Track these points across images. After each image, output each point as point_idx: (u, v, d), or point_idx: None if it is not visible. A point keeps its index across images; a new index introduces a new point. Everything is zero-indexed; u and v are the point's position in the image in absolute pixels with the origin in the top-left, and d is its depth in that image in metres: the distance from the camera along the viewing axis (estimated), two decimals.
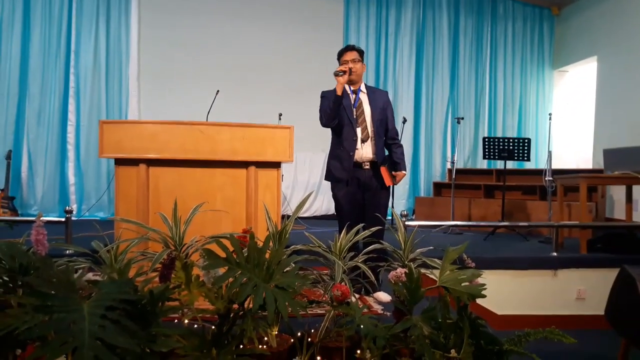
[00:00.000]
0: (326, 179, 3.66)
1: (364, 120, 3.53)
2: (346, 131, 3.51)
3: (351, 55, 3.53)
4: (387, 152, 3.70)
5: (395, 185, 3.72)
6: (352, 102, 3.55)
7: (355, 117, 3.51)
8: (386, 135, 3.65)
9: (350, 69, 3.47)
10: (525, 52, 8.66)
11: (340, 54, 3.59)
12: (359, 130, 3.50)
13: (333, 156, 3.59)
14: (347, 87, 3.57)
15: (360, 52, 3.59)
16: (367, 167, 3.52)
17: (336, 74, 3.42)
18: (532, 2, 8.63)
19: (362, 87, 3.62)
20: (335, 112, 3.48)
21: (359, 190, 3.52)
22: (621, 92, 6.98)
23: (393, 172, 3.56)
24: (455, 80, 8.39)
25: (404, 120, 6.40)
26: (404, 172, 3.63)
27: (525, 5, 8.65)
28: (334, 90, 3.48)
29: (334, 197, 3.59)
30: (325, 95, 3.61)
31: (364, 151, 3.50)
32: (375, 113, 3.55)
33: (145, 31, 7.34)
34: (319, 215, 7.77)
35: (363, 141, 3.50)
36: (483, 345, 1.93)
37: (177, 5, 7.45)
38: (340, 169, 3.51)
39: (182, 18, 7.46)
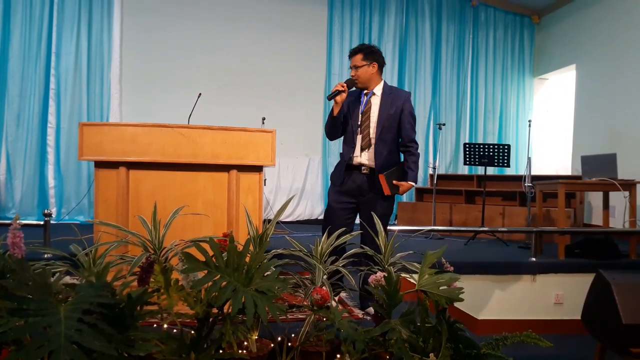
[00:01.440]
0: (330, 179, 3.64)
1: (368, 126, 3.41)
2: (348, 137, 3.48)
3: (353, 62, 3.42)
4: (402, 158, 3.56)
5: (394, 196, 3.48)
6: (362, 106, 3.44)
7: (359, 123, 3.42)
8: (401, 142, 3.49)
9: (355, 81, 3.40)
10: (506, 59, 8.78)
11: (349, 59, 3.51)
12: (359, 138, 3.42)
13: (339, 158, 3.59)
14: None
15: (366, 52, 3.42)
16: (366, 172, 3.42)
17: (330, 99, 3.36)
18: (513, 10, 8.76)
19: (377, 90, 3.45)
20: (333, 130, 3.47)
21: (352, 195, 3.45)
22: (599, 99, 7.11)
23: (395, 182, 3.35)
24: (437, 86, 8.47)
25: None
26: (411, 183, 3.41)
27: (507, 13, 8.77)
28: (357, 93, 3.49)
29: (328, 195, 3.58)
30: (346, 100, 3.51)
31: (362, 158, 3.42)
32: (382, 119, 3.39)
33: (127, 33, 7.28)
34: (302, 220, 7.77)
35: (362, 149, 3.41)
36: (461, 349, 1.95)
37: (160, 8, 7.41)
38: (337, 172, 3.52)
39: (165, 21, 7.42)
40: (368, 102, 3.45)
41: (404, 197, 8.16)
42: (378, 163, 3.39)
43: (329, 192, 3.56)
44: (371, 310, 3.24)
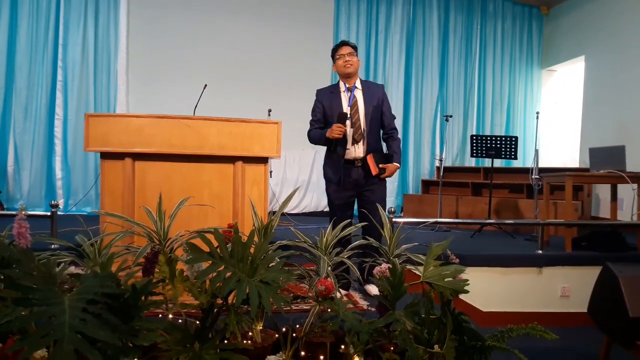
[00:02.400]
0: (324, 176, 3.67)
1: (358, 119, 3.49)
2: None
3: (347, 50, 3.52)
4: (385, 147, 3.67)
5: (387, 178, 3.58)
6: (347, 101, 3.52)
7: (349, 116, 3.47)
8: (383, 130, 3.64)
9: (345, 115, 3.45)
10: (514, 50, 8.71)
11: (335, 50, 3.59)
12: (351, 131, 3.47)
13: (327, 156, 3.61)
14: (342, 84, 3.58)
15: (354, 47, 3.59)
16: (359, 164, 3.50)
17: (330, 140, 3.42)
18: (521, 1, 8.68)
19: (357, 83, 3.58)
20: (319, 144, 3.57)
21: (351, 189, 3.52)
22: (608, 91, 7.04)
23: (381, 165, 3.46)
24: (444, 77, 8.42)
25: (394, 118, 6.41)
26: (396, 164, 3.55)
27: (515, 4, 8.69)
28: (329, 90, 3.59)
29: (327, 192, 3.63)
30: (318, 99, 3.62)
31: (357, 151, 3.49)
32: (368, 111, 3.52)
33: (134, 25, 7.29)
34: (308, 212, 7.77)
35: (355, 141, 3.48)
36: (466, 341, 1.95)
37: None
38: (332, 169, 3.54)
39: (172, 12, 7.41)
40: (354, 97, 3.53)
41: (411, 190, 8.17)
42: (369, 152, 3.50)
43: (328, 189, 3.60)
44: (371, 289, 3.30)
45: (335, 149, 3.46)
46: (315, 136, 3.58)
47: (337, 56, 3.55)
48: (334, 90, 3.59)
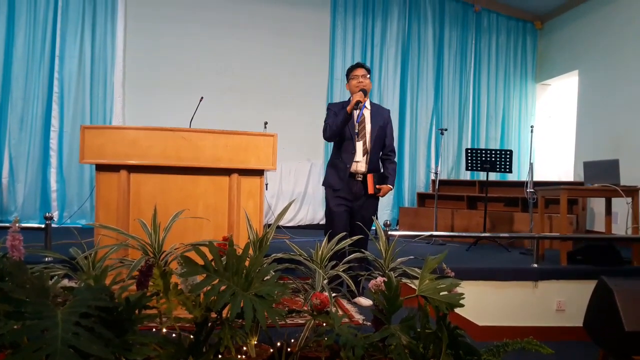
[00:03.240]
0: (323, 184, 3.83)
1: (365, 135, 3.68)
2: (346, 144, 3.67)
3: (361, 72, 3.69)
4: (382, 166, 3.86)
5: (380, 197, 3.83)
6: (356, 117, 3.68)
7: (357, 131, 3.65)
8: (383, 151, 3.81)
9: (366, 90, 3.63)
10: (509, 65, 8.78)
11: (350, 70, 3.75)
12: (359, 145, 3.65)
13: (332, 165, 3.77)
14: None
15: (368, 70, 3.75)
16: (360, 178, 3.66)
17: (353, 110, 3.59)
18: (515, 16, 8.77)
19: (367, 104, 3.76)
20: (342, 129, 3.65)
21: (349, 199, 3.67)
22: (602, 105, 7.09)
23: (377, 186, 3.66)
24: (439, 91, 8.47)
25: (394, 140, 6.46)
26: (389, 186, 3.74)
27: (509, 18, 8.78)
28: (341, 105, 3.69)
29: (326, 201, 3.77)
30: (331, 109, 3.76)
31: (360, 165, 3.66)
32: (374, 129, 3.70)
33: (131, 38, 7.31)
34: (304, 225, 7.75)
35: (362, 155, 3.67)
36: (462, 355, 1.94)
37: (163, 13, 7.43)
38: (337, 178, 3.69)
39: (169, 26, 7.44)
40: (362, 115, 3.72)
41: (406, 203, 8.18)
42: (370, 168, 3.68)
43: (328, 197, 3.75)
44: (363, 301, 3.36)
45: (356, 108, 3.60)
46: (334, 122, 3.67)
47: (352, 76, 3.72)
48: (345, 106, 3.69)
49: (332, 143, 3.81)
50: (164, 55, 7.40)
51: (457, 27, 8.58)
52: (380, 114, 3.77)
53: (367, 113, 3.74)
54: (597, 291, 2.95)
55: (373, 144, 3.68)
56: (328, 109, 3.82)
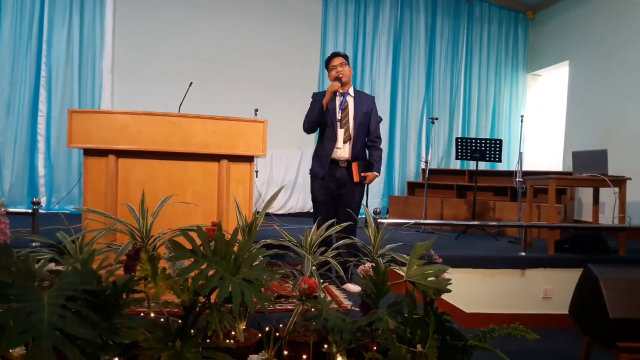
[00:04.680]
0: (310, 172, 3.86)
1: (348, 122, 3.71)
2: (328, 132, 3.71)
3: (338, 60, 3.71)
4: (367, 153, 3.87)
5: (367, 185, 3.89)
6: (339, 104, 3.71)
7: (339, 118, 3.69)
8: (368, 137, 3.83)
9: (341, 78, 3.64)
10: (500, 54, 8.78)
11: (328, 61, 3.77)
12: (341, 132, 3.69)
13: (315, 153, 3.82)
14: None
15: (346, 57, 3.77)
16: (344, 165, 3.70)
17: (335, 81, 3.63)
18: (507, 6, 8.76)
19: (351, 91, 3.78)
20: (318, 122, 3.70)
21: (333, 186, 3.71)
22: (592, 96, 7.13)
23: (362, 174, 3.68)
24: (430, 80, 8.46)
25: (380, 120, 6.44)
26: (375, 173, 3.78)
27: (501, 8, 8.77)
28: (324, 94, 3.69)
29: (311, 189, 3.81)
30: (315, 99, 3.78)
31: (343, 151, 3.70)
32: (357, 116, 3.73)
33: (120, 22, 7.21)
34: (294, 213, 7.74)
35: (344, 142, 3.70)
36: (448, 341, 1.96)
37: None
38: (319, 165, 3.73)
39: (158, 11, 7.35)
40: (345, 102, 3.74)
41: (396, 191, 8.19)
42: (353, 155, 3.71)
43: (313, 186, 3.79)
44: (352, 287, 3.39)
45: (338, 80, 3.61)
46: (310, 112, 3.73)
47: (330, 67, 3.74)
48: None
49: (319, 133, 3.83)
50: (153, 40, 7.32)
51: (449, 16, 8.56)
52: (363, 101, 3.79)
53: (350, 100, 3.76)
54: (582, 279, 2.97)
55: (356, 131, 3.70)
56: (312, 98, 3.83)
